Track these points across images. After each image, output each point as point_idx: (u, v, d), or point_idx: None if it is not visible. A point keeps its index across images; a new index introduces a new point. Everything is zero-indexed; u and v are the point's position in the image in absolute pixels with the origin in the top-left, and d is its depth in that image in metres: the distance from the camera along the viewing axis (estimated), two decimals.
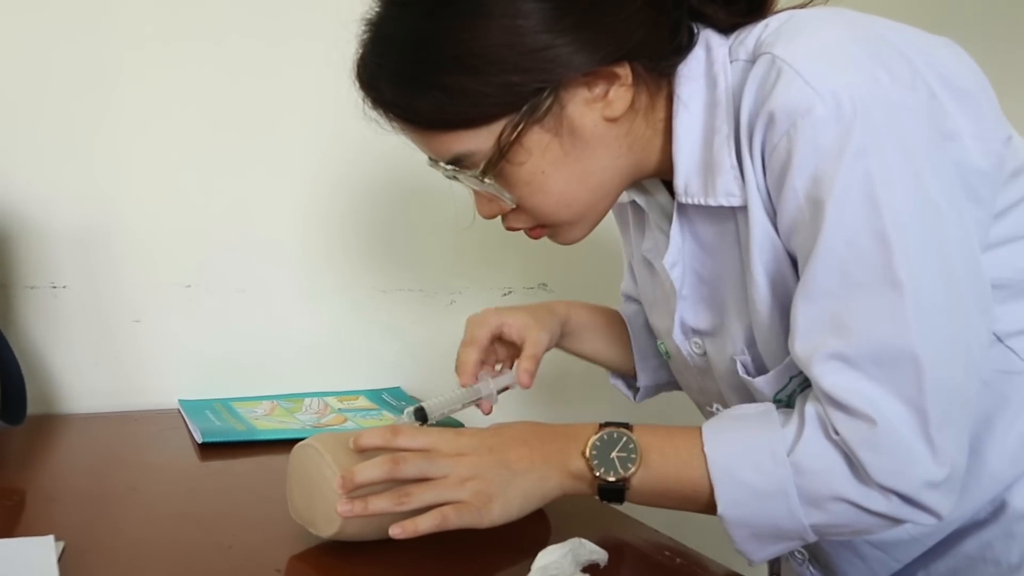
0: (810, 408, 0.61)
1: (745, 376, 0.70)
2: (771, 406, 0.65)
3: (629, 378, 0.97)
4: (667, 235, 0.72)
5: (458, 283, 1.29)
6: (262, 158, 1.15)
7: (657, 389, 0.96)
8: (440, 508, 0.63)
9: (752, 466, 0.61)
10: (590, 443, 0.65)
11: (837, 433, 0.58)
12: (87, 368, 1.07)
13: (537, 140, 0.65)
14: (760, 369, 0.69)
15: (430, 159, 0.71)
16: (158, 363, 1.11)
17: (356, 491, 0.63)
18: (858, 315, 0.58)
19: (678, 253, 0.71)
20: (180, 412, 1.05)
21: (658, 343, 0.85)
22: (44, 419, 1.03)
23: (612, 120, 0.66)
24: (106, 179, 1.07)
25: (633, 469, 0.64)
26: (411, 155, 0.74)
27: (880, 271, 0.57)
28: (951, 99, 0.60)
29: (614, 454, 0.65)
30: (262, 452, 0.93)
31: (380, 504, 0.63)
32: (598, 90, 0.65)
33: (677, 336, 0.76)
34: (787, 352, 0.65)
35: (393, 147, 0.75)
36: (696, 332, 0.75)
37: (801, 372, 0.66)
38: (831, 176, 0.57)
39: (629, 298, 0.99)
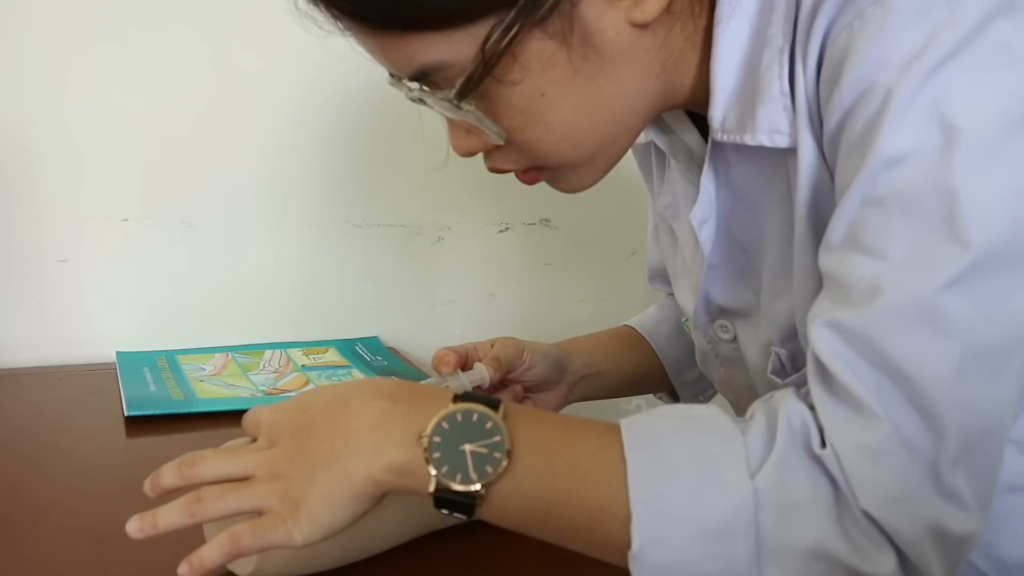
0: (788, 409, 0.42)
1: (774, 377, 0.53)
2: (716, 408, 0.45)
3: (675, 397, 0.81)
4: (695, 185, 0.55)
5: (446, 218, 1.11)
6: (214, 69, 0.96)
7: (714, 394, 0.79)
8: (231, 528, 0.45)
9: (692, 490, 0.41)
10: (432, 424, 0.43)
11: (824, 444, 0.40)
12: (4, 316, 0.92)
13: (537, 50, 0.46)
14: (798, 367, 0.53)
15: (391, 75, 0.52)
16: (90, 310, 0.95)
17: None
18: None
19: (710, 207, 0.54)
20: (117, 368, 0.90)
21: (683, 320, 0.68)
22: None
23: (641, 26, 0.47)
24: (22, 94, 0.89)
25: (493, 474, 0.42)
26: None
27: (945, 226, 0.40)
28: None
29: (468, 446, 0.43)
30: (201, 426, 0.78)
31: (170, 517, 0.46)
32: None
33: (699, 316, 0.59)
34: None
35: (370, 60, 0.56)
36: (724, 312, 0.59)
37: None
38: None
39: (655, 276, 0.81)
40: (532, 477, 0.43)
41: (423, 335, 1.12)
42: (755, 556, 0.40)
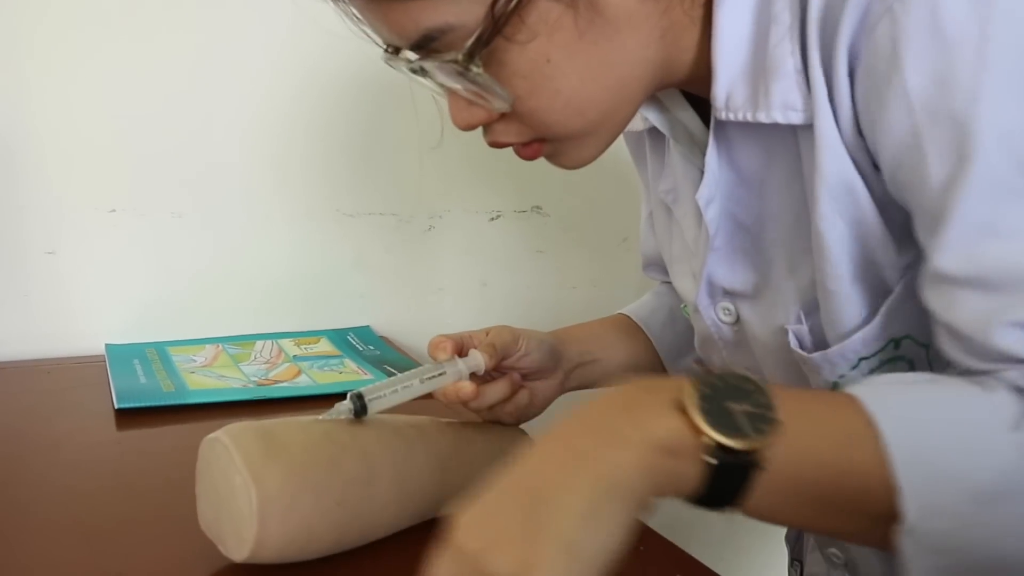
0: (1016, 377, 0.40)
1: (799, 351, 0.53)
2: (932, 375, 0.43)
3: None
4: (697, 166, 0.55)
5: (438, 205, 1.11)
6: (204, 56, 0.95)
7: None
8: None
9: (957, 450, 0.37)
10: (692, 388, 0.38)
11: None
12: None
13: (544, 12, 0.46)
14: (820, 343, 0.52)
15: (387, 49, 0.52)
16: (79, 302, 0.94)
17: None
18: None
19: (715, 186, 0.53)
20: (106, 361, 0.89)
21: (682, 306, 0.67)
22: None
23: None
24: (9, 83, 0.87)
25: (770, 431, 0.37)
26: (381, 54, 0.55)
27: None
28: None
29: (735, 406, 0.37)
30: (192, 418, 0.77)
31: None
32: None
33: (702, 300, 0.59)
34: (861, 323, 0.49)
35: (360, 46, 0.55)
36: (728, 294, 0.58)
37: (877, 353, 0.49)
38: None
39: (650, 265, 0.81)
40: (803, 441, 0.38)
41: (415, 324, 1.11)
42: None
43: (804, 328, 0.53)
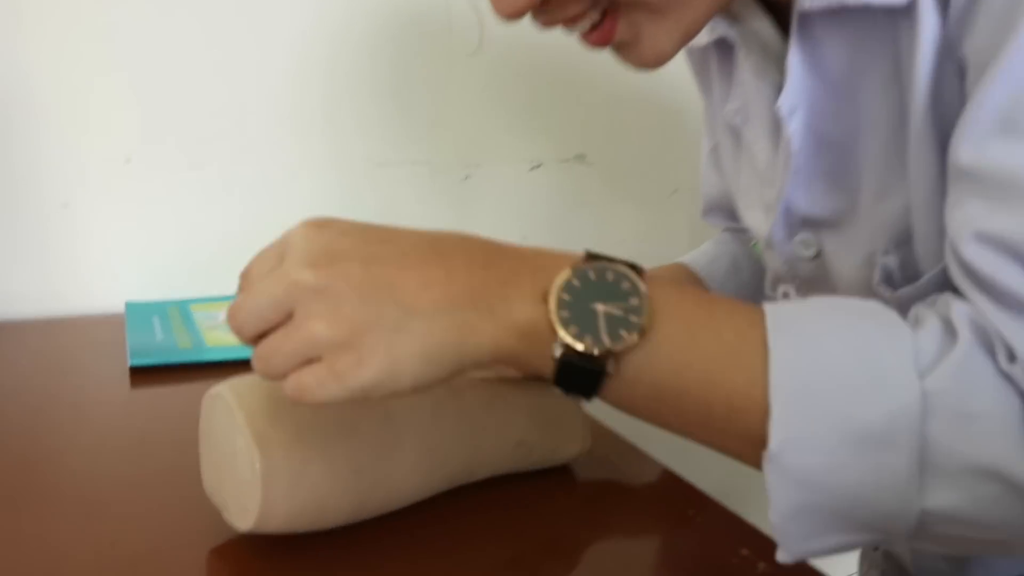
0: (961, 311, 0.35)
1: (885, 287, 0.46)
2: (878, 302, 0.39)
3: None
4: (772, 82, 0.48)
5: (474, 154, 1.04)
6: None
7: None
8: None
9: (845, 385, 0.34)
10: (561, 280, 0.38)
11: (1015, 359, 0.33)
12: (5, 265, 0.86)
13: None
14: (911, 276, 0.45)
15: None
16: (97, 257, 0.89)
17: None
18: None
19: (799, 92, 0.46)
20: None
21: (753, 244, 0.60)
22: None
23: None
24: (13, 26, 0.82)
25: (628, 339, 0.36)
26: None
27: None
28: None
29: (601, 307, 0.37)
30: (210, 375, 0.71)
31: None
32: None
33: (777, 232, 0.51)
34: None
35: None
36: (808, 224, 0.51)
37: None
38: None
39: (712, 209, 0.74)
40: (669, 348, 0.37)
41: None
42: (917, 470, 0.34)
43: (895, 260, 0.45)
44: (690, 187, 1.16)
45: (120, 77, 0.87)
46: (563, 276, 0.37)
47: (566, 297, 0.37)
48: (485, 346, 0.37)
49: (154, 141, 0.89)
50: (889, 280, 0.46)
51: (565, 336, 0.36)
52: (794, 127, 0.46)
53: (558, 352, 0.37)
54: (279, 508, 0.43)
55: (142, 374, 0.71)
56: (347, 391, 0.36)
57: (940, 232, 0.41)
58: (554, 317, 0.37)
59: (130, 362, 0.71)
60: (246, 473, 0.43)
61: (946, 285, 0.39)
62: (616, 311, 0.37)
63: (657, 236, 1.16)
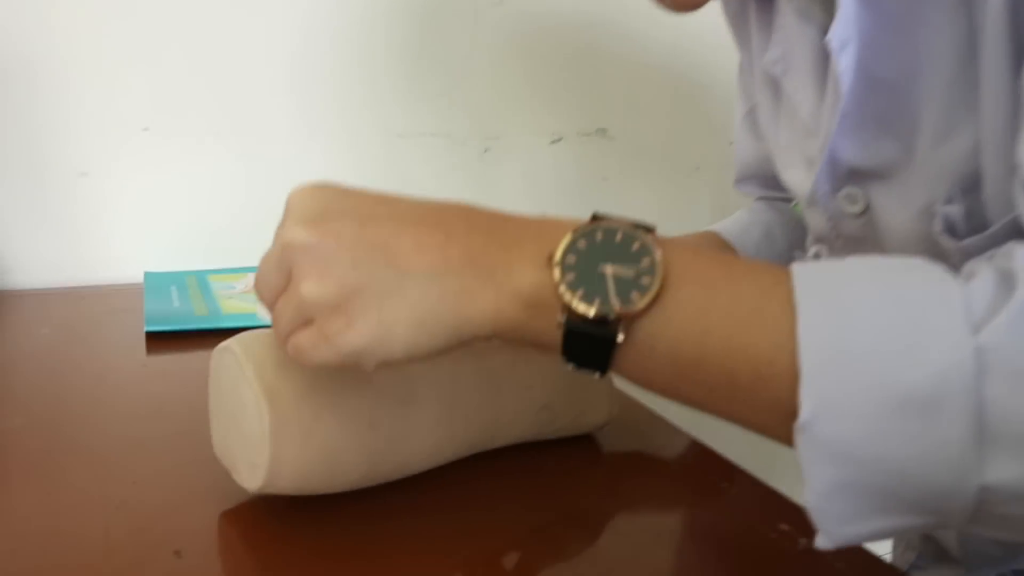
0: None
1: (948, 238, 0.43)
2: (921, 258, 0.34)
3: None
4: (817, 24, 0.46)
5: (494, 127, 1.02)
6: None
7: None
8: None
9: (887, 341, 0.30)
10: (566, 242, 0.35)
11: None
12: (23, 234, 0.86)
13: None
14: (977, 226, 0.42)
15: None
16: (115, 227, 0.89)
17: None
18: None
19: (850, 26, 0.43)
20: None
21: (793, 205, 0.58)
22: None
23: None
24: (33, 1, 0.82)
25: (642, 301, 0.33)
26: None
27: None
28: None
29: (609, 268, 0.34)
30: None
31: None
32: None
33: (821, 186, 0.49)
34: None
35: None
36: (856, 176, 0.48)
37: None
38: None
39: (746, 177, 0.71)
40: (686, 312, 0.33)
41: None
42: (972, 438, 0.29)
43: (959, 209, 0.42)
44: (713, 164, 1.14)
45: (138, 47, 0.86)
46: (569, 238, 0.35)
47: (572, 259, 0.34)
48: (485, 314, 0.35)
49: (172, 112, 0.88)
50: (952, 231, 0.43)
51: (571, 300, 0.34)
52: (844, 64, 0.44)
53: (564, 318, 0.34)
54: (289, 464, 0.42)
55: (158, 340, 0.71)
56: (338, 355, 0.35)
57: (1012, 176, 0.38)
58: (559, 280, 0.34)
59: (146, 328, 0.71)
60: (255, 427, 0.41)
61: (1020, 234, 0.36)
62: (626, 273, 0.34)
63: (679, 213, 1.14)
